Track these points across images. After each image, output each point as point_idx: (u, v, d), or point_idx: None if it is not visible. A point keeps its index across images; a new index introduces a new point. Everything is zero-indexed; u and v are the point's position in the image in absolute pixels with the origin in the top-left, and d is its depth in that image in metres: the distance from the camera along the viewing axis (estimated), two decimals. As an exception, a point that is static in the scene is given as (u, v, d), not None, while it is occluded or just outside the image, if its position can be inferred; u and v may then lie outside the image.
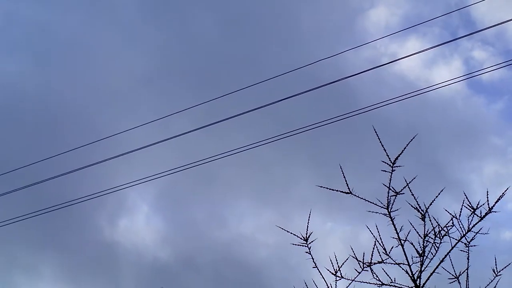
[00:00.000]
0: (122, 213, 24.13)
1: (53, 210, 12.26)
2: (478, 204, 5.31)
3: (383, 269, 5.38)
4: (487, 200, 5.27)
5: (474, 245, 5.37)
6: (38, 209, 12.42)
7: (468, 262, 5.34)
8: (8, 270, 20.99)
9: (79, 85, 24.73)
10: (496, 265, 5.31)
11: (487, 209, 5.28)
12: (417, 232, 5.38)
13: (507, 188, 5.25)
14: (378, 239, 5.40)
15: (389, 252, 5.37)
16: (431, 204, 5.35)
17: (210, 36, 24.65)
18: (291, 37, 25.13)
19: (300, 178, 22.94)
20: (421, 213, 5.39)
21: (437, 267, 5.30)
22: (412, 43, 23.80)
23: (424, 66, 25.89)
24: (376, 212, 5.43)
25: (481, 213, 5.30)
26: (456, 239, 5.35)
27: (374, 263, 5.37)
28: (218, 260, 20.64)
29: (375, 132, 5.39)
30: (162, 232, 24.04)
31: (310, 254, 5.51)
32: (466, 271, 5.31)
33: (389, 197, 5.42)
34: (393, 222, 5.39)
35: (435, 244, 5.34)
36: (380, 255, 5.37)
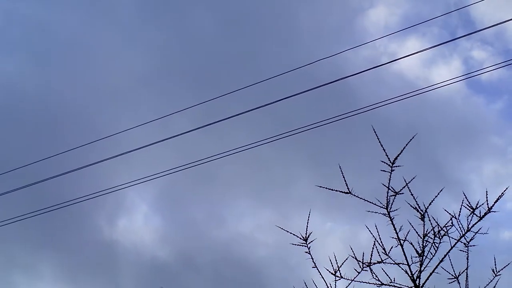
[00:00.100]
0: (121, 212, 24.15)
1: (52, 210, 12.26)
2: (477, 204, 5.30)
3: (382, 269, 5.38)
4: (487, 200, 5.27)
5: (474, 245, 5.37)
6: (38, 208, 12.42)
7: (467, 262, 5.34)
8: (8, 269, 21.00)
9: (78, 85, 24.74)
10: (495, 265, 5.31)
11: (487, 209, 5.27)
12: (417, 232, 5.38)
13: (507, 188, 5.25)
14: (378, 239, 5.40)
15: (389, 252, 5.37)
16: (430, 204, 5.35)
17: (210, 36, 24.67)
18: (291, 36, 25.15)
19: (300, 177, 22.96)
20: (420, 213, 5.38)
21: (436, 267, 5.30)
22: (412, 43, 23.83)
23: (424, 66, 25.92)
24: (376, 212, 5.43)
25: (480, 213, 5.30)
26: (455, 239, 5.35)
27: (374, 263, 5.37)
28: (217, 259, 20.66)
29: (374, 132, 5.38)
30: (161, 231, 24.07)
31: (309, 254, 5.51)
32: (466, 271, 5.31)
33: (388, 197, 5.42)
34: (392, 222, 5.39)
35: (435, 244, 5.33)
36: (379, 255, 5.37)
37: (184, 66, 24.70)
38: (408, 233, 5.37)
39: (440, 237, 5.34)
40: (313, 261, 5.47)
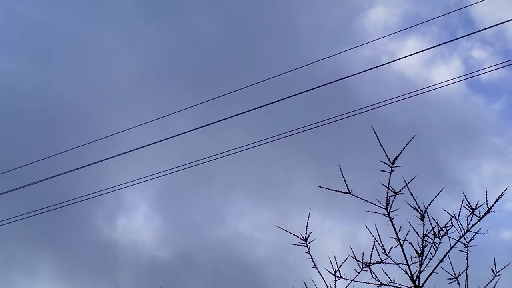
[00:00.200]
0: (121, 212, 24.14)
1: (52, 210, 12.26)
2: (477, 204, 5.30)
3: (382, 269, 5.38)
4: (486, 200, 5.27)
5: (473, 245, 5.36)
6: (37, 208, 12.42)
7: (467, 262, 5.34)
8: (6, 269, 20.99)
9: (78, 85, 24.74)
10: (495, 265, 5.31)
11: (486, 209, 5.27)
12: (416, 232, 5.38)
13: (506, 188, 5.25)
14: (377, 239, 5.40)
15: (388, 252, 5.37)
16: (430, 204, 5.35)
17: (210, 36, 24.67)
18: (291, 36, 25.15)
19: (299, 177, 22.94)
20: (420, 213, 5.38)
21: (436, 267, 5.29)
22: (412, 42, 23.83)
23: (424, 66, 25.92)
24: (375, 212, 5.43)
25: (480, 213, 5.30)
26: (455, 239, 5.35)
27: (373, 263, 5.37)
28: (217, 259, 20.65)
29: (374, 132, 5.38)
30: (160, 231, 24.06)
31: (309, 254, 5.51)
32: (465, 271, 5.31)
33: (388, 197, 5.41)
34: (392, 222, 5.39)
35: (434, 244, 5.33)
36: (379, 255, 5.37)
37: (184, 66, 24.71)
38: (407, 233, 5.37)
39: (440, 237, 5.34)
40: (313, 261, 5.47)
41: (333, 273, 5.40)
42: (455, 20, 24.54)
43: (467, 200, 5.34)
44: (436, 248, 5.32)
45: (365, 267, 5.39)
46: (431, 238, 5.34)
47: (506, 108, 27.18)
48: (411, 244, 5.35)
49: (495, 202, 5.25)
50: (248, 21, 25.56)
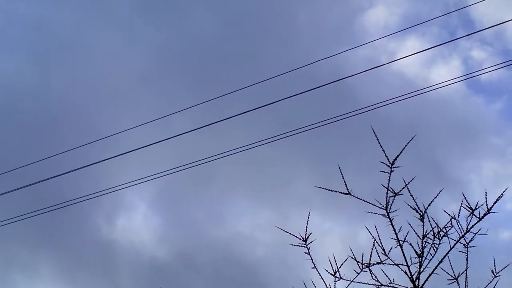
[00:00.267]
0: (120, 212, 24.13)
1: (52, 210, 12.26)
2: (476, 205, 5.30)
3: (382, 269, 5.37)
4: (486, 201, 5.26)
5: (473, 246, 5.36)
6: (37, 208, 12.42)
7: (467, 262, 5.33)
8: (6, 269, 20.99)
9: (78, 85, 24.73)
10: (495, 265, 5.31)
11: (486, 209, 5.27)
12: (416, 233, 5.37)
13: (506, 189, 5.25)
14: (377, 239, 5.40)
15: (388, 253, 5.37)
16: (429, 204, 5.35)
17: (210, 36, 24.66)
18: (290, 36, 25.14)
19: (299, 177, 22.93)
20: (419, 214, 5.38)
21: (436, 267, 5.29)
22: (411, 42, 23.79)
23: (423, 66, 25.90)
24: (375, 213, 5.42)
25: (479, 213, 5.30)
26: (455, 240, 5.35)
27: (373, 264, 5.37)
28: (217, 259, 20.65)
29: (374, 132, 5.38)
30: (160, 231, 24.04)
31: (309, 254, 5.51)
32: (465, 271, 5.31)
33: (387, 198, 5.41)
34: (391, 222, 5.39)
35: (434, 245, 5.33)
36: (379, 256, 5.37)
37: (184, 66, 24.71)
38: (407, 234, 5.37)
39: (440, 237, 5.34)
40: (312, 262, 5.47)
41: (333, 273, 5.40)
42: (455, 20, 24.52)
43: (466, 200, 5.34)
44: (435, 249, 5.32)
45: (365, 267, 5.39)
46: (430, 239, 5.34)
47: (506, 108, 27.18)
48: (410, 244, 5.35)
49: (494, 203, 5.25)
50: (248, 21, 25.57)
